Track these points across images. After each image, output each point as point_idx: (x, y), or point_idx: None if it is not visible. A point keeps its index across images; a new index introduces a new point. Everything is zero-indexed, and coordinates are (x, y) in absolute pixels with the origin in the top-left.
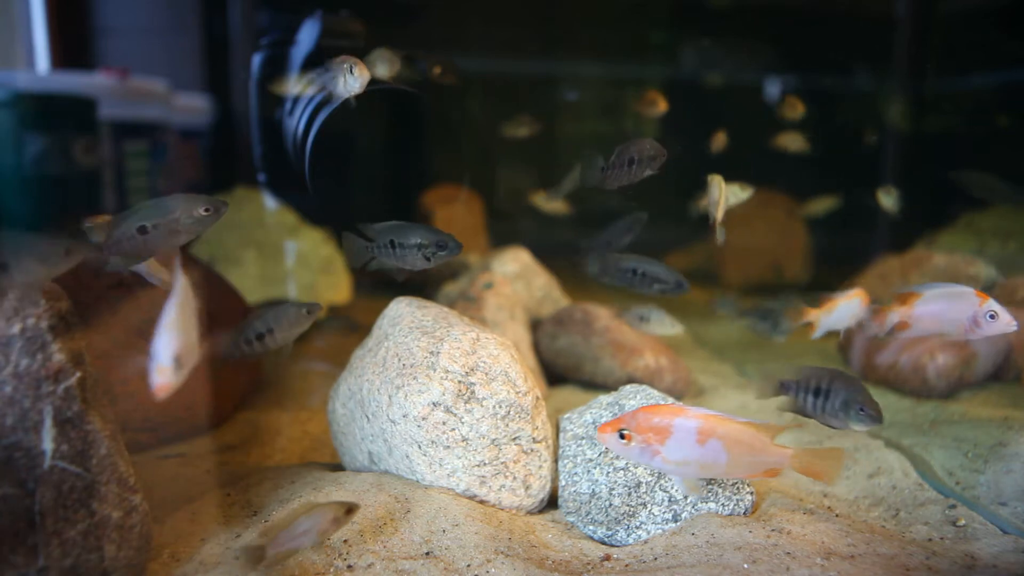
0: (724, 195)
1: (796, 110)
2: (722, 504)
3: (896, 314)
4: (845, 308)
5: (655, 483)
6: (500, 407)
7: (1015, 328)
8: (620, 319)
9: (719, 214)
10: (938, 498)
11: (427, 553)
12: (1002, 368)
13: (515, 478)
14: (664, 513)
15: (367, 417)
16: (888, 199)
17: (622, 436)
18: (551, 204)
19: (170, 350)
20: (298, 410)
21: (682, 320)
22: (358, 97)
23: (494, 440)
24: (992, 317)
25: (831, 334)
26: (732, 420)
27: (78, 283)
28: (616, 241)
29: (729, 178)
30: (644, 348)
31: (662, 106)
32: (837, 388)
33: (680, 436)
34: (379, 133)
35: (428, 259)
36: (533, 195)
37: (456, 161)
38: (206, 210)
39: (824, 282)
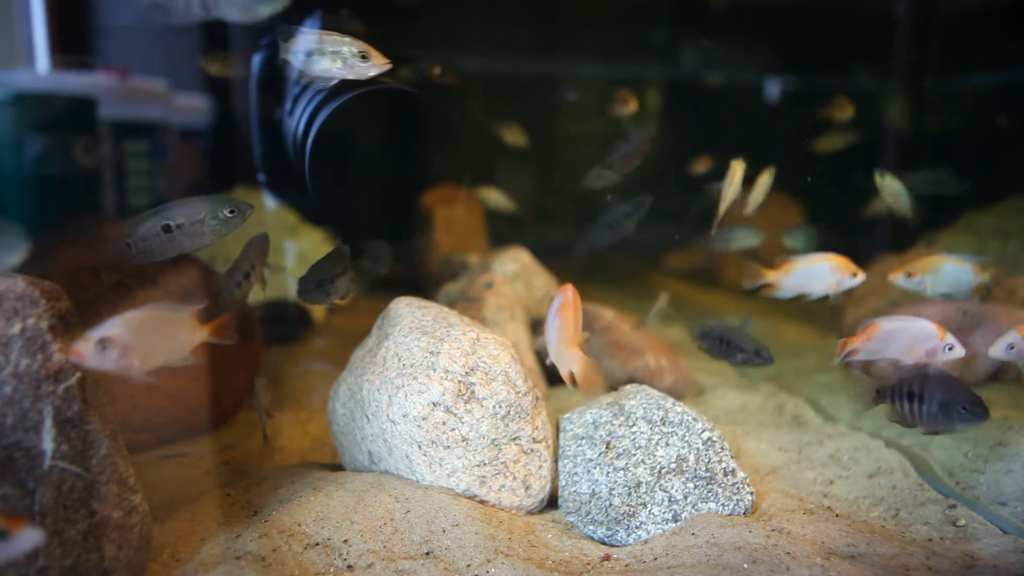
0: (737, 183)
1: (845, 111)
2: (722, 504)
3: (853, 344)
4: (807, 272)
5: (655, 483)
6: (500, 407)
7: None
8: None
9: (726, 202)
10: (938, 498)
11: (427, 553)
12: (1002, 368)
13: (515, 478)
14: (664, 513)
15: (367, 417)
16: (891, 192)
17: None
18: (500, 201)
19: (105, 332)
20: (298, 410)
21: (682, 320)
22: (360, 98)
23: (494, 440)
24: (951, 349)
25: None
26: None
27: (78, 283)
28: (619, 226)
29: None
30: (644, 348)
31: (633, 105)
32: (932, 390)
33: None
34: (379, 133)
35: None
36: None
37: (456, 161)
38: (231, 212)
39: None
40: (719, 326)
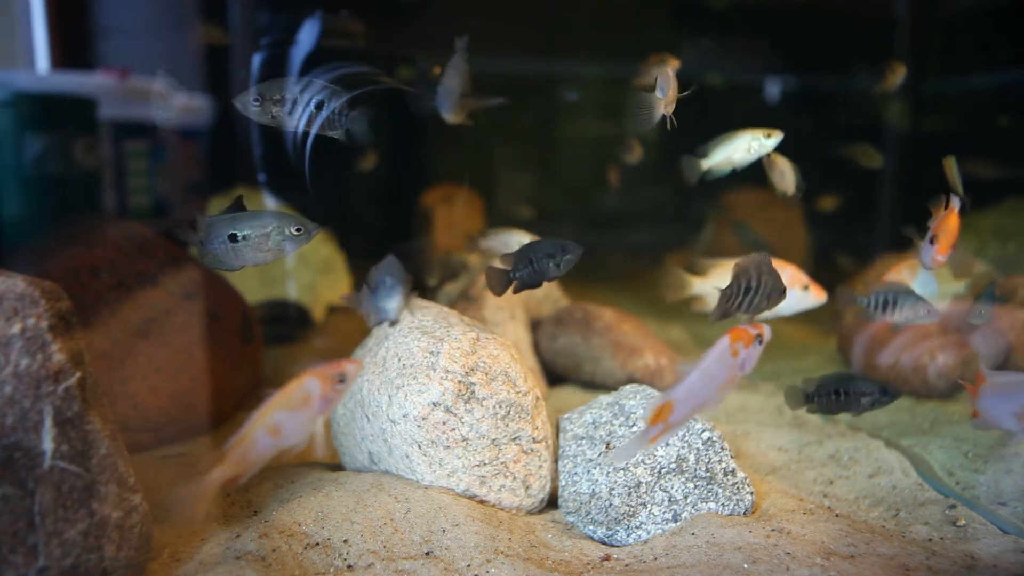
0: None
1: (896, 74)
2: (722, 504)
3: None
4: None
5: (655, 483)
6: (500, 407)
7: None
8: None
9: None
10: (938, 498)
11: (427, 553)
12: (1002, 368)
13: (515, 478)
14: (664, 513)
15: (367, 417)
16: (778, 170)
17: None
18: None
19: None
20: None
21: (681, 320)
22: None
23: (494, 440)
24: None
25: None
26: None
27: (78, 283)
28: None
29: (731, 181)
30: (644, 348)
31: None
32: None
33: None
34: (379, 133)
35: None
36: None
37: (456, 161)
38: (297, 230)
39: (825, 281)
40: (828, 379)
